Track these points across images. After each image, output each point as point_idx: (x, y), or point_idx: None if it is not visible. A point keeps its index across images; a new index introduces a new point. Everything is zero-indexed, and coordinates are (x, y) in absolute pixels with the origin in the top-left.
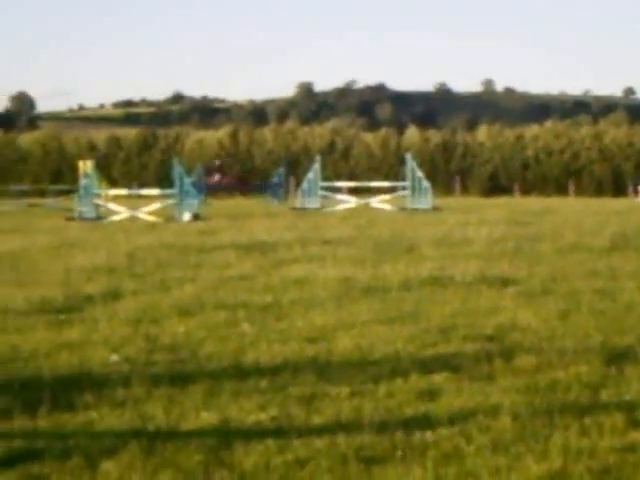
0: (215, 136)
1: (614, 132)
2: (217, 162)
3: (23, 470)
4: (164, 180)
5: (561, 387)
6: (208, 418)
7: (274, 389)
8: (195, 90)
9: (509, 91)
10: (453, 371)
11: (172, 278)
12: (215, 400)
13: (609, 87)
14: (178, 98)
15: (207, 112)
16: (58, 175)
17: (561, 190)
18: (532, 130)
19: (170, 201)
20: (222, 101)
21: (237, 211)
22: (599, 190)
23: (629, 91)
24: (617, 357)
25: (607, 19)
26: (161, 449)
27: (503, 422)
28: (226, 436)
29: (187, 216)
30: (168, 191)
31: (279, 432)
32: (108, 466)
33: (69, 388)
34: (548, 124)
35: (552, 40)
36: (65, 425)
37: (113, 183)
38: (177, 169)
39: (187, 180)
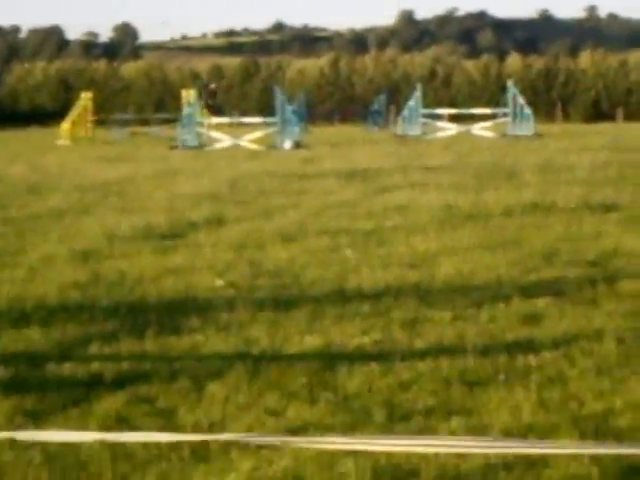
0: (316, 65)
1: None
2: (212, 86)
3: (132, 391)
4: (266, 108)
5: None
6: (311, 341)
7: (376, 314)
8: (296, 19)
9: (612, 17)
10: (556, 296)
11: (274, 205)
12: (318, 324)
13: None
14: (279, 27)
15: (308, 41)
16: (161, 104)
17: None
18: (636, 56)
19: (272, 129)
20: (323, 30)
21: (338, 139)
22: None
23: None
24: None
25: None
26: (266, 372)
27: (607, 346)
28: (329, 359)
29: (289, 144)
30: (270, 119)
31: (382, 356)
32: (214, 388)
33: (174, 312)
34: None
35: None
36: (171, 348)
37: (215, 112)
38: (279, 97)
39: (288, 108)
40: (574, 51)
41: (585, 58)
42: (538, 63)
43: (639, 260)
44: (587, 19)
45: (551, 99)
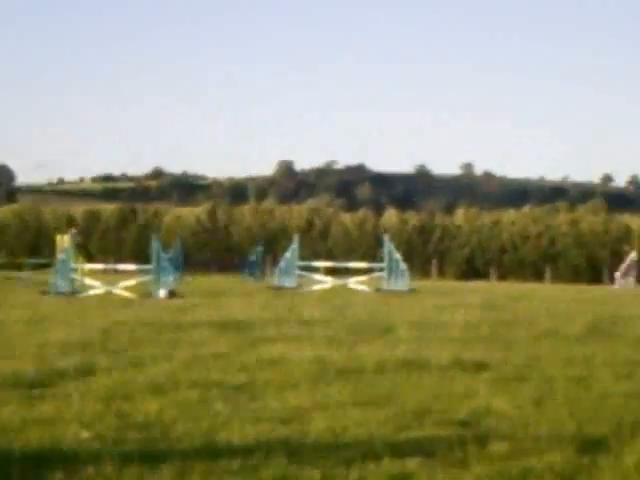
0: (193, 212)
1: (591, 219)
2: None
3: None
4: (141, 255)
5: (534, 475)
6: None
7: (246, 470)
8: (175, 166)
9: (488, 175)
10: (426, 456)
11: (146, 355)
12: None
13: (587, 174)
14: (158, 174)
15: (187, 188)
16: (36, 248)
17: (537, 275)
18: (509, 215)
19: (147, 277)
20: (202, 178)
21: (214, 288)
22: (575, 276)
23: (607, 178)
24: (590, 446)
25: (588, 106)
26: None
27: None
28: None
29: (163, 292)
30: (145, 267)
31: None
32: None
33: (39, 464)
34: (525, 209)
35: (532, 126)
36: None
37: (90, 258)
38: (154, 245)
39: (164, 256)
40: (450, 207)
41: (460, 215)
42: (414, 219)
43: (509, 421)
44: (463, 176)
45: (426, 255)
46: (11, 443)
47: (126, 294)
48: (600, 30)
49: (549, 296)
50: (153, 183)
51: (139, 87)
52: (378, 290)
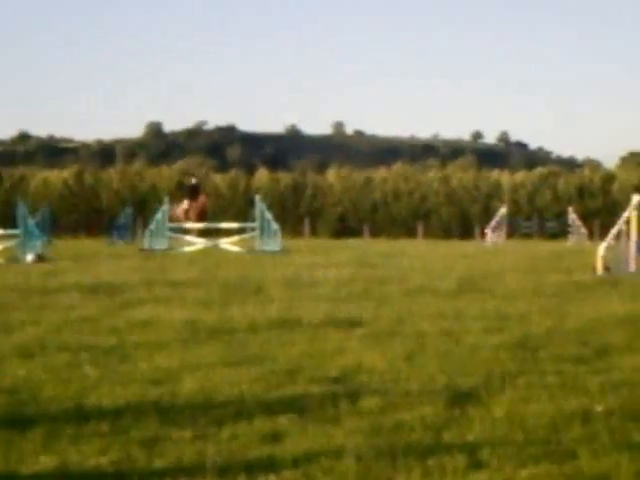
0: (61, 176)
1: (461, 175)
2: (193, 181)
3: None
4: (8, 221)
5: (405, 429)
6: (47, 462)
7: (115, 432)
8: (42, 129)
9: (359, 134)
10: (298, 413)
11: (14, 320)
12: (55, 444)
13: (457, 131)
14: (24, 137)
15: (54, 152)
16: None
17: (410, 232)
18: (380, 173)
19: (13, 241)
20: (69, 141)
21: (82, 252)
22: (447, 233)
23: (477, 135)
24: (461, 398)
25: (449, 64)
26: None
27: (347, 464)
28: None
29: (30, 257)
30: (11, 231)
31: (119, 476)
32: None
33: None
34: (396, 167)
35: (401, 85)
36: None
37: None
38: (21, 210)
39: (31, 221)
40: (322, 167)
41: (332, 174)
42: (286, 178)
43: (381, 376)
44: (334, 135)
45: (299, 214)
46: None
47: None
48: None
49: (421, 252)
50: (19, 147)
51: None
52: (250, 250)
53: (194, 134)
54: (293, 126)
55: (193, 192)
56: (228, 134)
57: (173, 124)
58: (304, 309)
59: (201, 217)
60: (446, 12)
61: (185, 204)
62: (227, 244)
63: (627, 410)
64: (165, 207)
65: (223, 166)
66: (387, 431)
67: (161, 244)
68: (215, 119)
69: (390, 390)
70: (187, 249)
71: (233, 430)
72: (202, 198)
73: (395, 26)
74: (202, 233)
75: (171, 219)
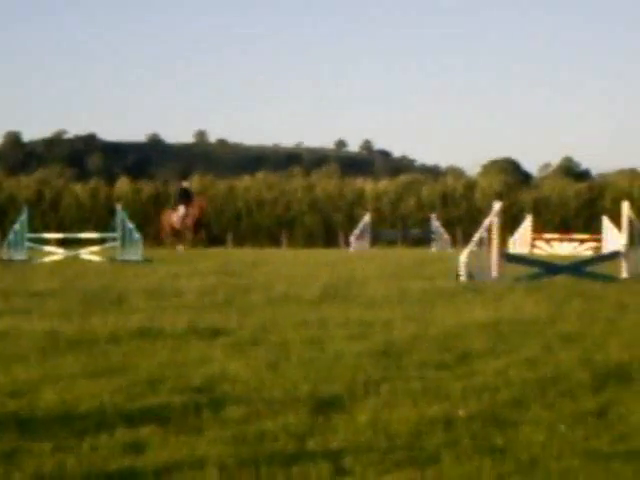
0: None
1: (325, 183)
2: (184, 184)
3: None
4: None
5: (268, 437)
6: None
7: None
8: None
9: (222, 142)
10: (160, 424)
11: None
12: None
13: (321, 140)
14: None
15: None
16: None
17: (274, 241)
18: (244, 181)
19: None
20: None
21: None
22: (311, 241)
23: (341, 144)
24: (324, 406)
25: (319, 72)
26: None
27: (209, 474)
28: None
29: None
30: None
31: None
32: None
33: None
34: (260, 175)
35: (264, 93)
36: None
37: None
38: None
39: None
40: (185, 175)
41: (194, 182)
42: (148, 187)
43: (244, 385)
44: (197, 144)
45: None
46: None
47: None
48: None
49: (285, 261)
50: None
51: None
52: (111, 260)
53: (54, 143)
54: (155, 135)
55: (186, 197)
56: (88, 143)
57: (32, 134)
58: (166, 319)
59: (199, 224)
60: (310, 19)
61: (181, 211)
62: (88, 254)
63: (489, 414)
64: (23, 217)
65: (83, 175)
66: (250, 440)
67: (20, 255)
68: (75, 128)
69: (254, 399)
70: (47, 260)
71: (94, 441)
72: (199, 202)
73: (259, 33)
74: (62, 243)
75: (165, 228)
